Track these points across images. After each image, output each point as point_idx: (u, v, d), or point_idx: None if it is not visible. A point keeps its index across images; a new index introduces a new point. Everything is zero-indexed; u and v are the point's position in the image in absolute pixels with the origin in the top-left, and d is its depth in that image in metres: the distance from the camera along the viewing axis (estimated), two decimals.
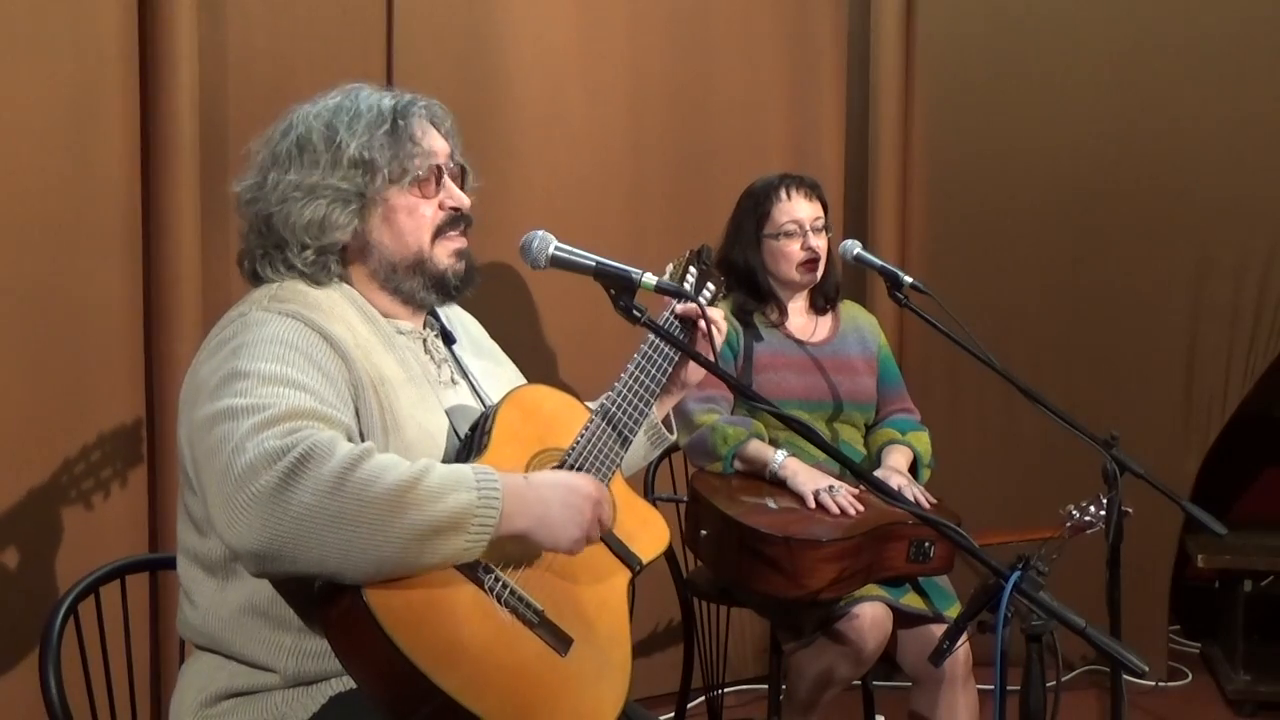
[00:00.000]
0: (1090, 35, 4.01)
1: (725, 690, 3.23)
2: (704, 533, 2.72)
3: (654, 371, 1.97)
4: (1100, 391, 3.98)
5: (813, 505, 2.68)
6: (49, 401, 2.76)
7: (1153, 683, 3.94)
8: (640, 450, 2.15)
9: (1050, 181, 4.06)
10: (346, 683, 1.69)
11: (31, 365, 2.74)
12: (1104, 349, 4.05)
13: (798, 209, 2.94)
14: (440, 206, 1.89)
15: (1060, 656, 1.70)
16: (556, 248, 1.93)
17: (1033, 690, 1.70)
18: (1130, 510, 2.48)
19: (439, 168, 1.89)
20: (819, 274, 2.95)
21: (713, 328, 2.02)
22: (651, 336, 1.98)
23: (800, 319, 3.02)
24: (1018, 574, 1.68)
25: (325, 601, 1.61)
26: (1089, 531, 2.42)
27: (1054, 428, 2.55)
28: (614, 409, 1.90)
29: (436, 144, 1.90)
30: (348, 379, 1.73)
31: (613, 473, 1.88)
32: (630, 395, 1.93)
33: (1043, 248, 4.09)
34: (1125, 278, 4.03)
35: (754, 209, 2.97)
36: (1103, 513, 2.43)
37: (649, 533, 1.91)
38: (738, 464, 2.81)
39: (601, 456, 1.86)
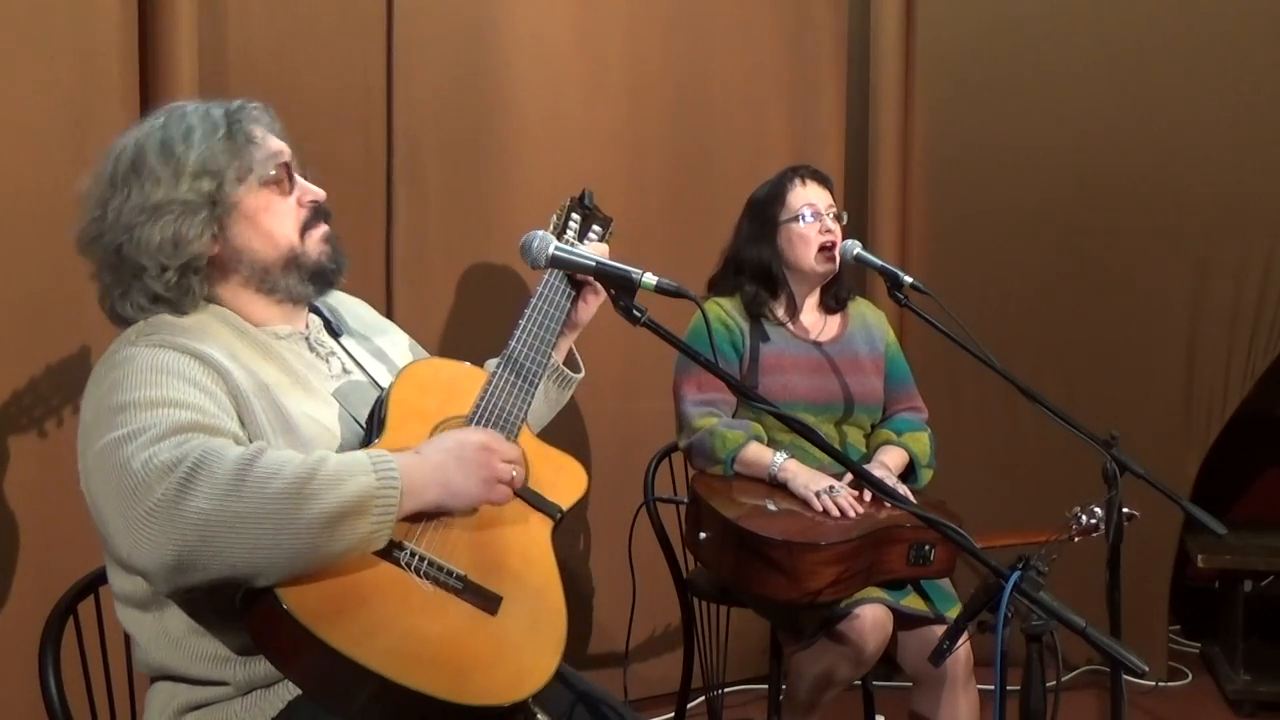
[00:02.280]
0: (1090, 35, 4.02)
1: (725, 690, 3.23)
2: (704, 535, 2.72)
3: (552, 310, 2.02)
4: (1100, 391, 3.99)
5: (818, 507, 2.68)
6: (49, 402, 2.76)
7: (1153, 683, 3.95)
8: (552, 395, 2.20)
9: (1050, 181, 4.07)
10: None
11: (30, 365, 2.73)
12: (1104, 349, 4.05)
13: (813, 195, 2.94)
14: (300, 204, 1.88)
15: (1060, 656, 1.70)
16: (556, 247, 1.94)
17: (1033, 690, 1.70)
18: (1137, 514, 2.48)
19: (288, 165, 1.87)
20: (837, 263, 2.95)
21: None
22: (545, 278, 2.05)
23: (810, 315, 3.02)
24: (1018, 574, 1.68)
25: (245, 612, 1.61)
26: (1093, 535, 2.42)
27: (1054, 428, 2.54)
28: (517, 356, 1.94)
29: (275, 144, 1.87)
30: (226, 390, 1.72)
31: (520, 420, 1.90)
32: (531, 339, 1.97)
33: (1043, 248, 4.09)
34: (1125, 277, 4.03)
35: (768, 201, 2.96)
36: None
37: (565, 479, 1.94)
38: (738, 467, 2.81)
39: (506, 409, 1.89)
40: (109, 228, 1.78)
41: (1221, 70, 3.91)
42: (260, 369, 1.78)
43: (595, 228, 2.21)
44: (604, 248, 2.14)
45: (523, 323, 1.99)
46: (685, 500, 2.88)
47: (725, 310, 2.94)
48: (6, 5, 2.69)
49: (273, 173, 1.84)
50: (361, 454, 1.66)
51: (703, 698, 3.27)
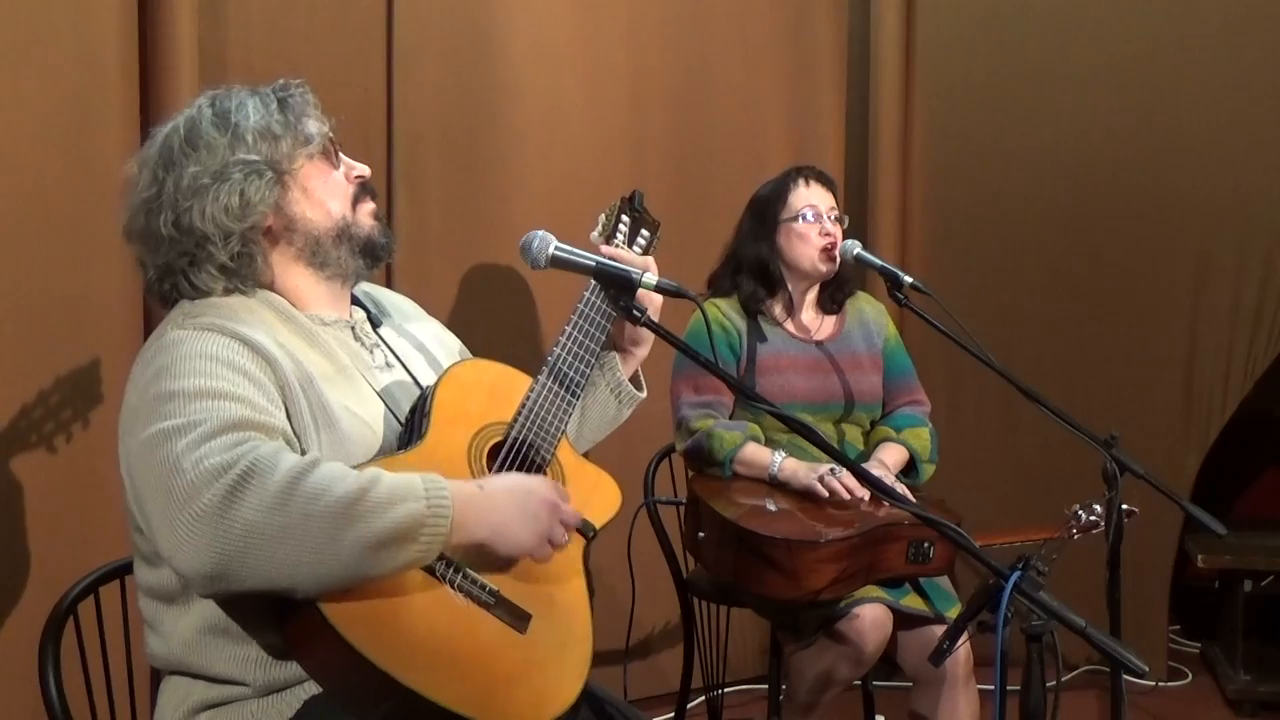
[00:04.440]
0: (1090, 35, 4.02)
1: (725, 690, 3.23)
2: (703, 535, 2.72)
3: (597, 319, 1.98)
4: (1100, 391, 3.99)
5: (824, 493, 2.68)
6: (48, 401, 2.76)
7: (1153, 683, 3.95)
8: (610, 411, 2.18)
9: (1050, 181, 4.07)
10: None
11: (31, 365, 2.74)
12: (1104, 349, 4.05)
13: (815, 195, 2.94)
14: (347, 179, 1.88)
15: (1060, 656, 1.70)
16: (556, 248, 1.93)
17: (1033, 690, 1.70)
18: (1136, 510, 2.48)
19: (333, 140, 1.88)
20: (836, 265, 2.94)
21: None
22: (585, 293, 1.98)
23: (808, 314, 3.01)
24: (1018, 574, 1.68)
25: (282, 616, 1.60)
26: (1094, 532, 2.42)
27: (1054, 428, 2.55)
28: (560, 365, 1.92)
29: (322, 118, 1.88)
30: (275, 381, 1.70)
31: (561, 430, 1.89)
32: (574, 347, 1.94)
33: (1042, 247, 4.09)
34: (1125, 277, 4.03)
35: (770, 200, 2.96)
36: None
37: (600, 497, 1.92)
38: (736, 468, 2.80)
39: (548, 418, 1.87)
40: (167, 202, 1.75)
41: (1221, 71, 3.90)
42: (306, 358, 1.76)
43: (644, 231, 2.15)
44: (649, 260, 2.09)
45: (566, 331, 1.95)
46: (684, 501, 2.88)
47: (722, 311, 2.94)
48: (6, 5, 2.69)
49: (325, 143, 1.84)
50: (415, 477, 1.61)
51: (703, 698, 3.27)
